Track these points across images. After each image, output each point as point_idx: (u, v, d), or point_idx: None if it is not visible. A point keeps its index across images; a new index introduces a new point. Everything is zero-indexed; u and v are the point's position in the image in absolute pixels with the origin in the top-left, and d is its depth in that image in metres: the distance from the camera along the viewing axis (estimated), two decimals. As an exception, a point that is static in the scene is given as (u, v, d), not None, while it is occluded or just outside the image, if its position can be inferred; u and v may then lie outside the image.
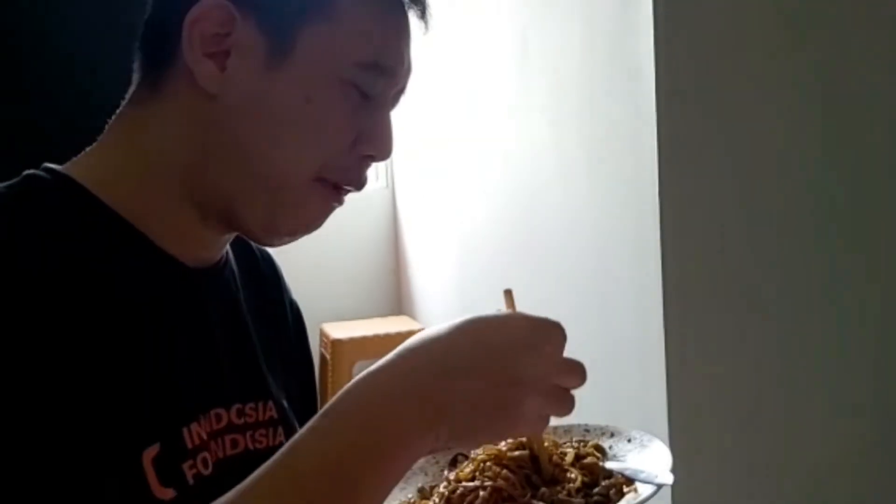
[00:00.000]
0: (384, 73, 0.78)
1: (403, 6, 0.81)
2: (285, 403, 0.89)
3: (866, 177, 1.92)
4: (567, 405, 0.68)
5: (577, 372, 0.68)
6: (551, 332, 0.68)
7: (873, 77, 1.90)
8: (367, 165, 0.82)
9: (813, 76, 1.87)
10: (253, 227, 0.80)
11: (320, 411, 0.66)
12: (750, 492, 1.91)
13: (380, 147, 0.80)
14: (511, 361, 0.66)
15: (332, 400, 0.66)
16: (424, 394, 0.65)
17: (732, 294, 1.88)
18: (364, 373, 0.67)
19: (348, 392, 0.66)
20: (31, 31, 1.93)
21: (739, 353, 1.89)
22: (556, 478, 0.71)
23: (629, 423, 2.05)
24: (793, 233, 1.89)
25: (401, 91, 0.83)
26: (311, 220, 0.81)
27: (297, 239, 0.83)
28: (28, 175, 0.77)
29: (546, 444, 0.75)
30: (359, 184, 0.81)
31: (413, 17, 0.82)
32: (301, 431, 0.66)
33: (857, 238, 1.92)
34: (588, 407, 2.30)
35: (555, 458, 0.74)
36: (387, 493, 0.66)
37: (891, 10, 1.87)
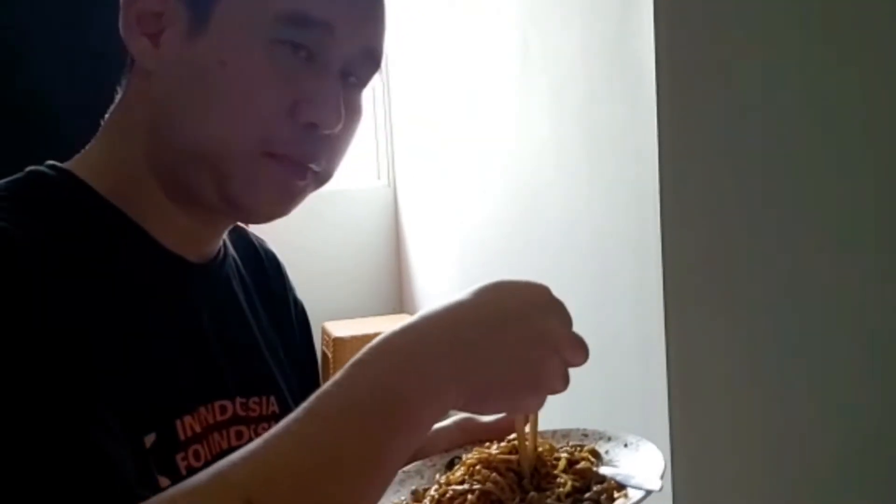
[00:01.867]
0: (315, 26, 0.73)
1: None
2: (288, 398, 0.89)
3: (869, 175, 1.92)
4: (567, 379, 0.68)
5: (584, 347, 0.68)
6: (563, 306, 0.69)
7: (876, 77, 1.90)
8: (316, 136, 0.76)
9: (815, 76, 1.87)
10: (212, 202, 0.77)
11: (355, 357, 0.64)
12: (751, 488, 1.92)
13: (322, 114, 0.74)
14: (537, 318, 0.66)
15: (368, 347, 0.64)
16: (451, 343, 0.64)
17: (733, 292, 1.88)
18: (395, 327, 0.65)
19: (382, 342, 0.64)
20: (33, 27, 1.92)
21: (740, 350, 1.90)
22: (542, 486, 0.71)
23: (629, 420, 2.05)
24: (793, 231, 1.89)
25: (369, 64, 0.78)
26: (272, 197, 0.78)
27: (273, 219, 0.80)
28: (30, 171, 0.77)
29: (541, 448, 0.75)
30: (309, 156, 0.76)
31: None
32: (324, 386, 0.64)
33: (860, 236, 1.92)
34: (589, 404, 2.28)
35: (548, 462, 0.74)
36: (412, 448, 0.64)
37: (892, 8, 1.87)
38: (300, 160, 0.76)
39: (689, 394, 1.87)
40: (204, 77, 0.74)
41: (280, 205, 0.78)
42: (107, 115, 0.82)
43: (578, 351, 0.68)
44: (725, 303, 1.88)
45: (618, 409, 2.05)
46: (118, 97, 0.81)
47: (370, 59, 0.77)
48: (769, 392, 1.91)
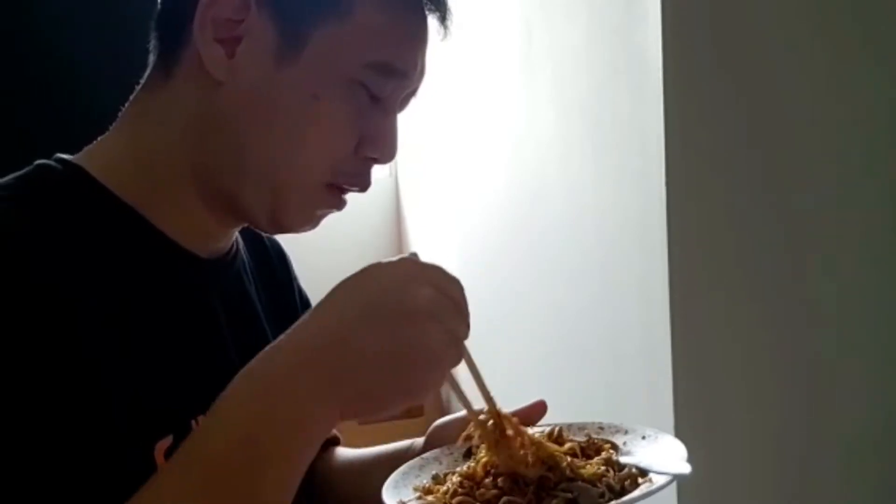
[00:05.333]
0: (396, 75, 0.78)
1: (423, 10, 0.81)
2: None
3: (879, 165, 1.91)
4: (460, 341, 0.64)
5: (462, 313, 0.65)
6: (442, 274, 0.66)
7: (887, 70, 1.88)
8: (370, 168, 0.82)
9: (826, 66, 1.86)
10: (259, 221, 0.80)
11: (222, 393, 0.65)
12: (757, 487, 1.91)
13: (383, 150, 0.80)
14: (398, 296, 0.63)
15: (233, 381, 0.65)
16: (319, 362, 0.62)
17: (740, 287, 1.87)
18: (261, 352, 0.65)
19: (247, 372, 0.65)
20: (43, 22, 1.92)
21: (746, 342, 1.89)
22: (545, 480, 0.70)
23: (634, 417, 2.05)
24: (802, 225, 1.88)
25: (412, 94, 0.83)
26: (313, 222, 0.83)
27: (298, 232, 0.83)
28: (39, 165, 0.77)
29: (546, 432, 0.75)
30: (364, 186, 0.82)
31: (433, 22, 0.82)
32: (207, 414, 0.65)
33: (871, 228, 1.91)
34: (594, 401, 2.27)
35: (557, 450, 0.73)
36: (297, 473, 0.63)
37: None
38: (354, 190, 0.81)
39: (695, 386, 1.86)
40: (291, 106, 0.76)
41: (312, 227, 0.83)
42: (127, 108, 0.81)
43: (457, 316, 0.64)
44: (731, 295, 1.87)
45: (623, 402, 2.04)
46: (142, 91, 0.80)
47: (414, 94, 0.84)
48: (774, 383, 1.91)
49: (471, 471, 0.71)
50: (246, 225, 0.87)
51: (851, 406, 1.93)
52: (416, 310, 0.62)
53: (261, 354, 0.65)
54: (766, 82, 1.83)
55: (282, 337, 0.65)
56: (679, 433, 1.92)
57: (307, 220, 0.82)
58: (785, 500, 1.92)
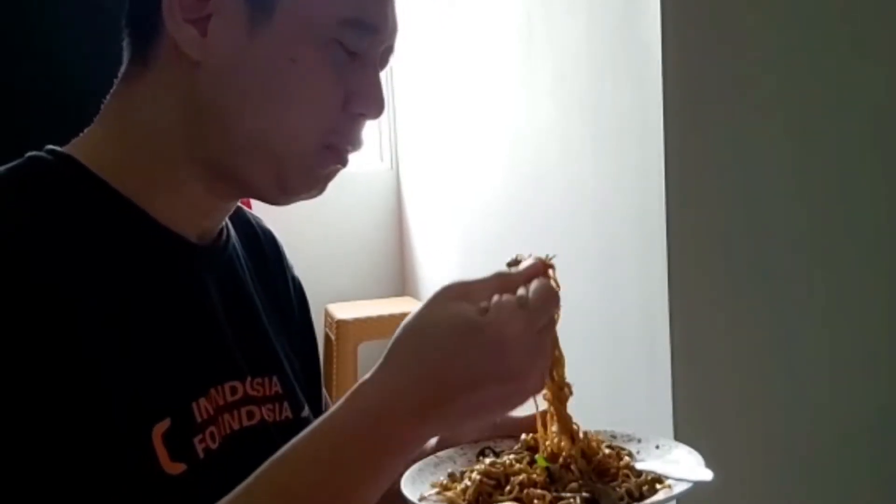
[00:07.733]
0: (368, 29, 0.78)
1: None
2: (291, 377, 0.90)
3: (876, 161, 1.91)
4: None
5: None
6: (547, 310, 0.70)
7: (885, 76, 1.89)
8: (362, 125, 0.82)
9: (825, 61, 1.86)
10: (265, 190, 0.80)
11: (314, 424, 0.67)
12: (756, 484, 1.92)
13: (371, 104, 0.80)
14: (507, 362, 0.66)
15: (331, 409, 0.68)
16: (423, 402, 0.66)
17: (738, 281, 1.88)
18: (362, 380, 0.68)
19: (347, 402, 0.67)
20: (25, 21, 1.92)
21: (745, 332, 1.89)
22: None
23: (633, 414, 2.05)
24: (799, 220, 1.89)
25: (388, 50, 0.83)
26: (320, 184, 0.82)
27: (308, 198, 0.84)
28: (30, 156, 0.77)
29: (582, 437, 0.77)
30: (357, 143, 0.82)
31: None
32: (297, 438, 0.67)
33: (868, 221, 1.92)
34: (593, 396, 2.28)
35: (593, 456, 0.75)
36: (384, 486, 0.67)
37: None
38: (351, 149, 0.81)
39: (693, 376, 1.87)
40: (270, 72, 0.76)
41: (321, 190, 0.83)
42: (108, 102, 0.81)
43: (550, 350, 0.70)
44: (731, 290, 1.88)
45: (621, 393, 2.05)
46: (121, 85, 0.80)
47: (391, 51, 0.82)
48: (773, 374, 1.92)
49: (497, 468, 0.74)
50: (244, 199, 0.87)
51: (852, 395, 1.94)
52: (521, 373, 0.66)
53: (362, 384, 0.68)
54: (766, 77, 1.83)
55: (383, 366, 0.68)
56: (677, 424, 1.93)
57: (313, 184, 0.81)
58: (784, 497, 1.93)
